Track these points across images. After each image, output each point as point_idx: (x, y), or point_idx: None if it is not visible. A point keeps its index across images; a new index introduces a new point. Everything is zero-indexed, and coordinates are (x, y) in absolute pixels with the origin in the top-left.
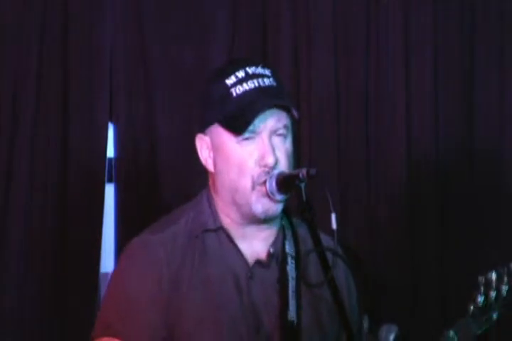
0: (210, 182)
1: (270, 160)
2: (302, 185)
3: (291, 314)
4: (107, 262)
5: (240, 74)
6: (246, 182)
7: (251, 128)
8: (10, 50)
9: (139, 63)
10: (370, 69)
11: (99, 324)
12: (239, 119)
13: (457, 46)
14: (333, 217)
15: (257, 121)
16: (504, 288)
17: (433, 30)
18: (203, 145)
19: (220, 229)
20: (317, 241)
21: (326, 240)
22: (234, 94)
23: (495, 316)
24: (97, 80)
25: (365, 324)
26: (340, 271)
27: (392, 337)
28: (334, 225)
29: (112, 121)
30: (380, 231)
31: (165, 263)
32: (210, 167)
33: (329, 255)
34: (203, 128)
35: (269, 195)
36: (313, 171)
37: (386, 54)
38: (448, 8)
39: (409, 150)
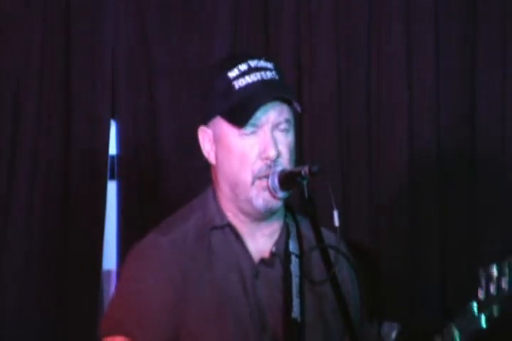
0: (213, 176)
1: (272, 154)
2: (304, 182)
3: (295, 312)
4: (109, 260)
5: (243, 67)
6: (246, 176)
7: (253, 121)
8: (11, 48)
9: (141, 60)
10: (372, 68)
11: (108, 322)
12: (241, 112)
13: (459, 46)
14: (336, 214)
15: (258, 114)
16: (505, 282)
17: (434, 30)
18: (205, 138)
19: (227, 226)
20: (319, 239)
21: (328, 236)
22: (236, 87)
23: (496, 310)
24: (99, 78)
25: (394, 333)
26: (344, 267)
27: (393, 334)
28: (337, 222)
29: (114, 118)
30: (381, 230)
31: (176, 263)
32: (212, 160)
33: (332, 252)
34: (205, 121)
35: (270, 191)
36: (315, 168)
37: (388, 53)
38: (449, 7)
39: (411, 150)
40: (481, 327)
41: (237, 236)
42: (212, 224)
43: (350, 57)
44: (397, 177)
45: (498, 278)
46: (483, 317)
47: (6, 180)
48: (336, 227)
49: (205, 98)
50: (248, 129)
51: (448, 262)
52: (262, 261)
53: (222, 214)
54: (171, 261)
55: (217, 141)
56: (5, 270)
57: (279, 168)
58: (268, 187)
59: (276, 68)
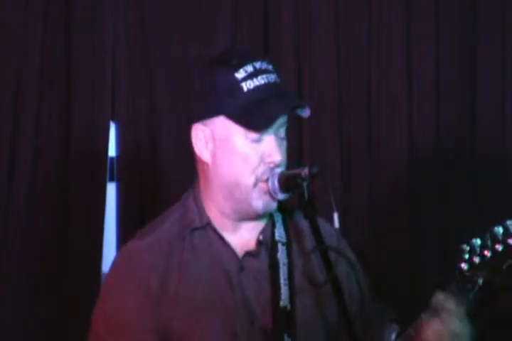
0: (201, 174)
1: (277, 158)
2: (304, 184)
3: (284, 300)
4: (109, 262)
5: (249, 68)
6: (249, 179)
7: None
8: (11, 49)
9: (140, 62)
10: (372, 69)
11: (92, 336)
12: (256, 116)
13: (459, 46)
14: (336, 216)
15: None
16: (488, 254)
17: (434, 30)
18: (199, 136)
19: (208, 226)
20: (319, 241)
21: (327, 231)
22: (245, 89)
23: (480, 282)
24: (98, 79)
25: (394, 335)
26: (342, 264)
27: (393, 335)
28: (337, 224)
29: (113, 120)
30: (382, 230)
31: (150, 267)
32: (206, 158)
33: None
34: (201, 118)
35: (270, 193)
36: (315, 170)
37: (388, 53)
38: (449, 7)
39: (411, 150)
40: (466, 300)
41: (219, 235)
42: (192, 225)
43: (351, 57)
44: (397, 177)
45: (481, 248)
46: (467, 290)
47: (6, 180)
48: (336, 229)
49: (203, 96)
50: (260, 134)
51: (448, 262)
52: (248, 253)
53: (202, 215)
54: (145, 265)
55: (217, 140)
56: (5, 270)
57: (278, 170)
58: (268, 190)
59: (276, 70)
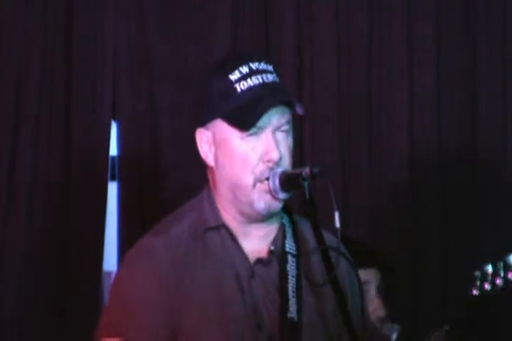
0: (210, 177)
1: (275, 156)
2: (305, 184)
3: (292, 312)
4: (110, 261)
5: (244, 69)
6: (248, 179)
7: (257, 124)
8: (11, 48)
9: (142, 61)
10: (373, 69)
11: (105, 325)
12: (245, 115)
13: (460, 46)
14: (337, 215)
15: (263, 117)
16: (499, 282)
17: (436, 30)
18: (203, 140)
19: (222, 226)
20: (320, 240)
21: (328, 238)
22: (238, 90)
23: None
24: (100, 78)
25: (395, 335)
26: (343, 269)
27: (394, 336)
28: (337, 224)
29: (115, 119)
30: (382, 230)
31: (168, 264)
32: (211, 162)
33: (332, 253)
34: (204, 123)
35: (271, 193)
36: (316, 170)
37: (389, 53)
38: (451, 8)
39: (412, 151)
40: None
41: (232, 237)
42: (206, 224)
43: (351, 57)
44: (397, 177)
45: (493, 276)
46: None
47: (6, 180)
48: (337, 228)
49: (203, 100)
50: (251, 131)
51: (448, 262)
52: (259, 260)
53: (216, 215)
54: (164, 263)
55: (217, 143)
56: (5, 270)
57: (279, 170)
58: (269, 190)
59: (276, 70)
